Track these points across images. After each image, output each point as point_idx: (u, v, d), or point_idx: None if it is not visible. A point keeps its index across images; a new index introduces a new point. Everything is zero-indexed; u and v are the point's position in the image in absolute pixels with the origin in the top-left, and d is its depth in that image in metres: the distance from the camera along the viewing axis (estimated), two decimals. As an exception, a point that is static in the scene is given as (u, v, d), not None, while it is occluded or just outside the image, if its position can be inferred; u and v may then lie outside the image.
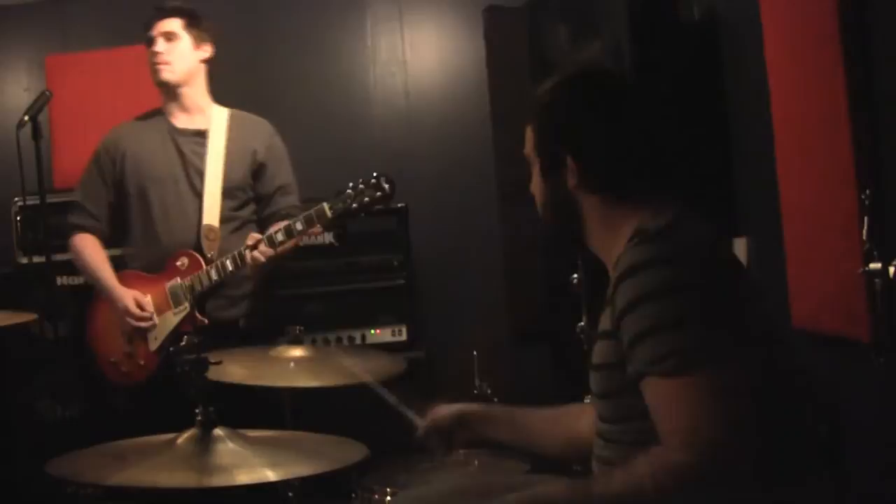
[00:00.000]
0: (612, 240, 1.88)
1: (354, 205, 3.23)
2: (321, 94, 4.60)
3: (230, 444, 2.13)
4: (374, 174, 3.21)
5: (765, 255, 2.92)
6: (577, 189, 1.89)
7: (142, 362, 3.42)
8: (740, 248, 3.01)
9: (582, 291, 2.84)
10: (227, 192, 3.49)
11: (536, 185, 1.98)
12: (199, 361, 2.20)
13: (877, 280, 1.93)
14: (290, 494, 2.67)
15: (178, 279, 3.40)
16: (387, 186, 3.19)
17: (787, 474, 1.72)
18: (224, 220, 3.47)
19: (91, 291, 3.57)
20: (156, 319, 3.41)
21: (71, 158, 4.20)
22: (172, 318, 3.40)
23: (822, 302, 2.50)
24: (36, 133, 3.17)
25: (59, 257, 3.64)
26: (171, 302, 3.40)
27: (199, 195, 3.48)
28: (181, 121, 3.57)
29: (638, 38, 3.08)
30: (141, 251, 3.52)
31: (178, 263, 3.42)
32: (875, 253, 1.93)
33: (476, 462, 2.75)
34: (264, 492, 2.28)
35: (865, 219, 1.98)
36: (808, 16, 2.48)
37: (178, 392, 2.24)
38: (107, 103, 4.33)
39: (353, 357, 2.84)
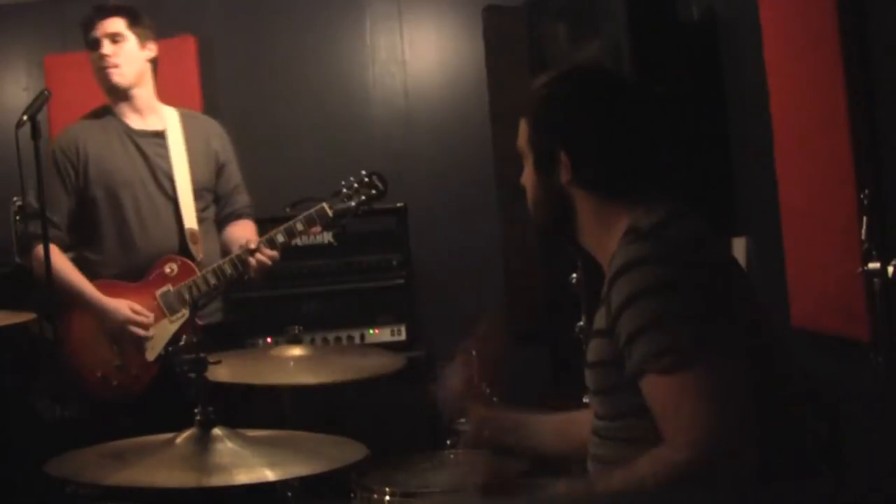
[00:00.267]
0: (605, 236, 1.88)
1: (353, 203, 3.26)
2: (320, 93, 4.60)
3: (229, 444, 2.13)
4: (365, 172, 3.27)
5: (764, 255, 2.92)
6: (570, 184, 1.90)
7: (136, 373, 3.29)
8: (740, 247, 3.01)
9: (581, 291, 2.83)
10: (196, 194, 3.43)
11: (528, 178, 1.98)
12: (198, 361, 2.21)
13: (876, 279, 1.93)
14: (289, 494, 2.67)
15: (170, 286, 3.32)
16: (380, 184, 3.27)
17: (785, 471, 1.72)
18: (197, 221, 3.41)
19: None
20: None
21: (70, 158, 4.19)
22: (170, 327, 3.31)
23: (822, 301, 2.51)
24: (35, 133, 3.16)
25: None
26: (165, 310, 3.31)
27: (170, 198, 3.39)
28: (135, 122, 3.46)
29: (637, 38, 3.08)
30: (115, 258, 3.37)
31: (167, 270, 3.33)
32: (874, 252, 1.93)
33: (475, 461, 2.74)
34: (263, 491, 2.28)
35: (865, 218, 1.98)
36: (808, 16, 2.48)
37: (180, 400, 2.24)
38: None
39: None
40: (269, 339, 3.91)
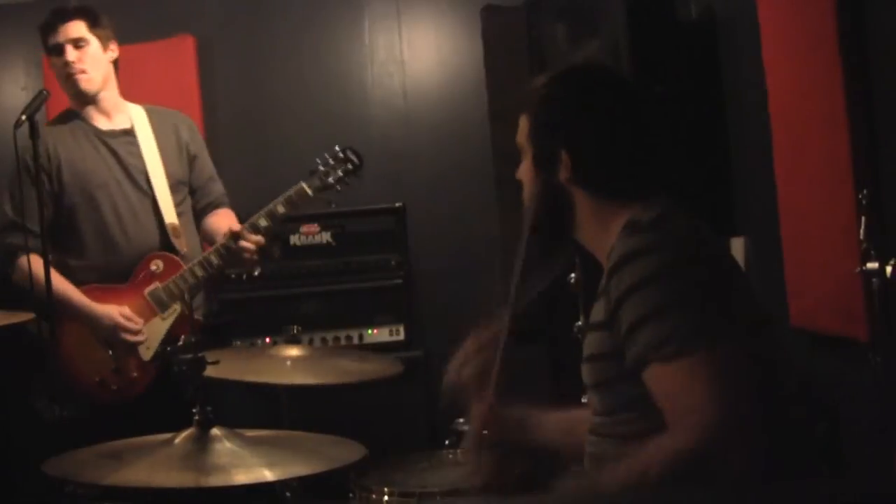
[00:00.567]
0: (603, 233, 1.89)
1: (330, 179, 3.26)
2: (319, 93, 4.59)
3: (228, 444, 2.13)
4: (338, 147, 3.27)
5: (763, 255, 2.92)
6: (569, 182, 1.90)
7: (135, 374, 3.29)
8: (738, 247, 3.01)
9: (580, 291, 2.83)
10: (172, 188, 3.42)
11: (526, 174, 1.99)
12: (197, 361, 2.20)
13: (874, 279, 1.93)
14: (288, 494, 2.68)
15: (158, 283, 3.31)
16: (355, 157, 3.28)
17: (785, 471, 1.72)
18: (177, 215, 3.40)
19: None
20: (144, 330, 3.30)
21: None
22: (161, 324, 3.30)
23: (820, 301, 2.51)
24: (33, 132, 3.15)
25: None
26: (155, 308, 3.30)
27: (147, 195, 3.38)
28: (103, 123, 3.45)
29: (636, 38, 3.07)
30: (98, 262, 3.35)
31: (153, 268, 3.32)
32: (872, 252, 1.93)
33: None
34: (262, 491, 2.29)
35: (863, 218, 1.98)
36: (807, 15, 2.48)
37: (179, 400, 2.24)
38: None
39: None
40: (267, 339, 3.91)
